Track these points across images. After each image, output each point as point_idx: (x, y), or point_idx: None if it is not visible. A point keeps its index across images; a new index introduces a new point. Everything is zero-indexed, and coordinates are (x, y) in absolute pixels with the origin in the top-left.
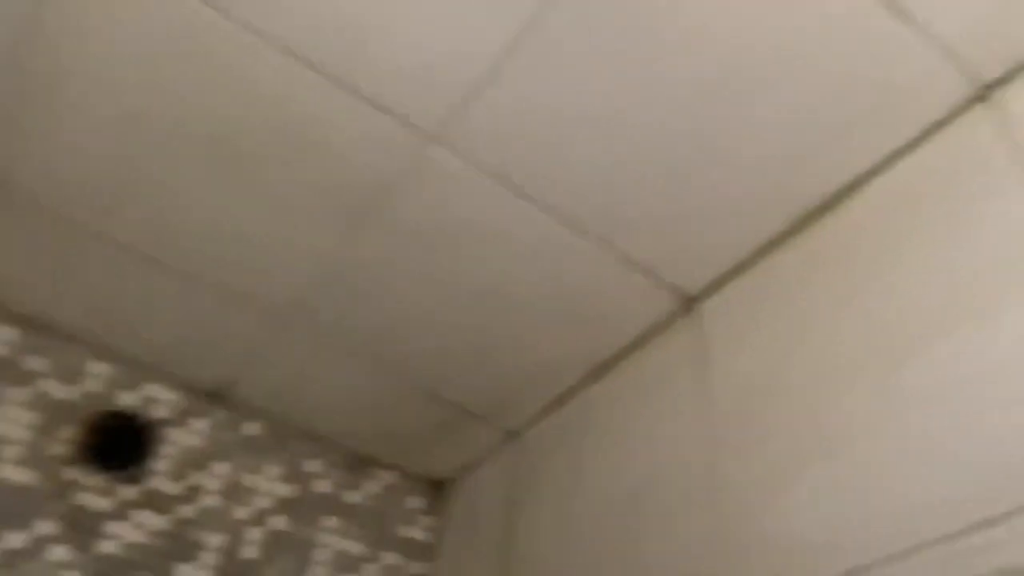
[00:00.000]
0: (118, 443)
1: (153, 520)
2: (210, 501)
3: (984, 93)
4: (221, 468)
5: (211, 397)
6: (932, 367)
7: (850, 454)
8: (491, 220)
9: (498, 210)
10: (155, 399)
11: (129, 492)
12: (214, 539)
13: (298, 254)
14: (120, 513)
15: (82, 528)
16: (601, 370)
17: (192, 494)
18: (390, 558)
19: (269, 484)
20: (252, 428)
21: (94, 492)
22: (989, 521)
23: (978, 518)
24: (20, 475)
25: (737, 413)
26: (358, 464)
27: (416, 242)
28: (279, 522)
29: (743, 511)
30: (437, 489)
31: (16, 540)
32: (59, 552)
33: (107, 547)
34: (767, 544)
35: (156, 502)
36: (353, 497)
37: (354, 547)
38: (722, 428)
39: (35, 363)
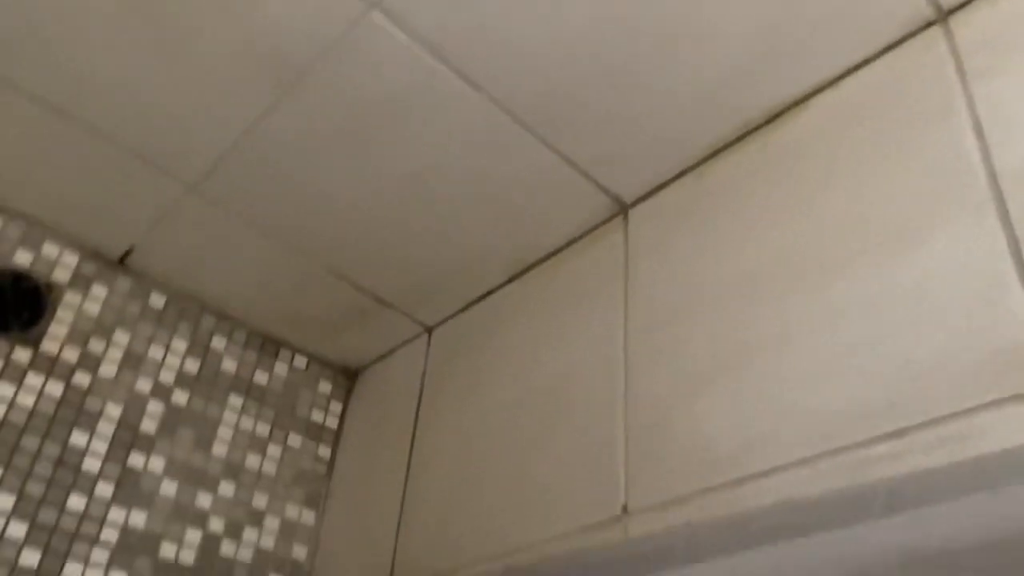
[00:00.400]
0: (12, 303)
1: (47, 385)
2: (109, 370)
3: (942, 16)
4: (121, 337)
5: (114, 264)
6: (856, 284)
7: (767, 363)
8: (427, 99)
9: (435, 89)
10: (54, 261)
11: (22, 355)
12: (112, 409)
13: (216, 121)
14: (11, 375)
15: None
16: (524, 271)
17: (90, 362)
18: (296, 441)
19: (172, 358)
20: (157, 300)
21: None
22: (898, 432)
23: (889, 428)
24: None
25: (656, 320)
26: (268, 346)
27: (344, 117)
28: (181, 397)
29: (655, 416)
30: (348, 376)
31: None
32: None
33: None
34: (678, 448)
35: (51, 367)
36: (261, 378)
37: (260, 427)
38: (639, 335)
39: None
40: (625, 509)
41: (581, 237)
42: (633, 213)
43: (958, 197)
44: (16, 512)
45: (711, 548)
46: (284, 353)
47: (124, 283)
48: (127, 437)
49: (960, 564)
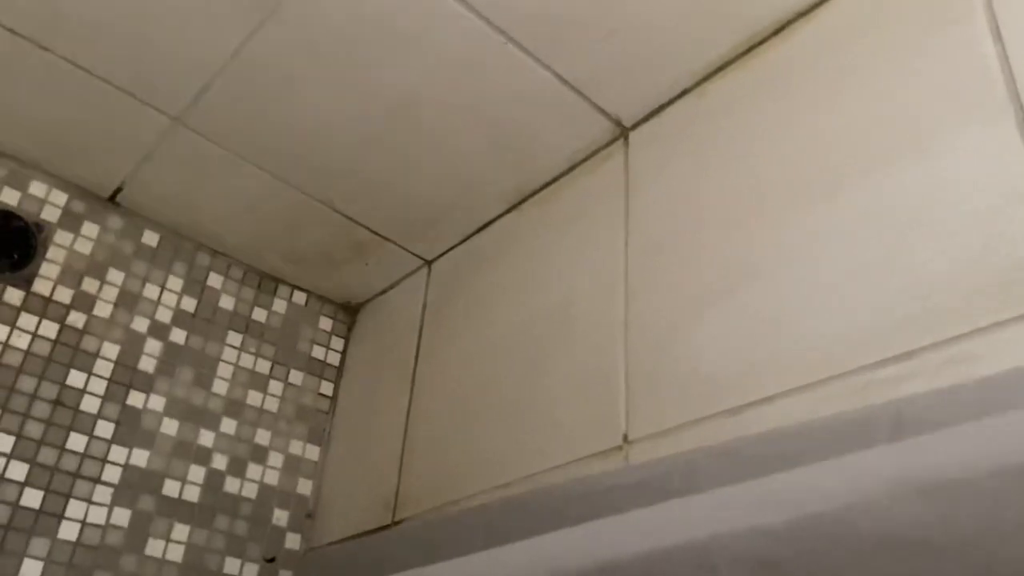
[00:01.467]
0: (1, 243)
1: (41, 326)
2: (104, 310)
3: None
4: (115, 276)
5: (105, 202)
6: (863, 199)
7: (768, 286)
8: (415, 19)
9: (423, 8)
10: (43, 200)
11: (14, 296)
12: (108, 349)
13: (197, 47)
14: (4, 317)
15: None
16: (523, 200)
17: (84, 301)
18: (297, 377)
19: (168, 296)
20: (150, 238)
21: None
22: (906, 354)
23: (896, 351)
24: None
25: (657, 246)
26: (266, 282)
27: (329, 41)
28: (179, 335)
29: (656, 343)
30: (349, 312)
31: None
32: None
33: None
34: (679, 375)
35: (44, 308)
36: (260, 315)
37: (260, 365)
38: (640, 261)
39: None
40: (626, 438)
41: (581, 163)
42: (633, 136)
43: (974, 105)
44: (15, 453)
45: (710, 477)
46: (283, 289)
47: (116, 221)
48: (125, 376)
49: (963, 493)
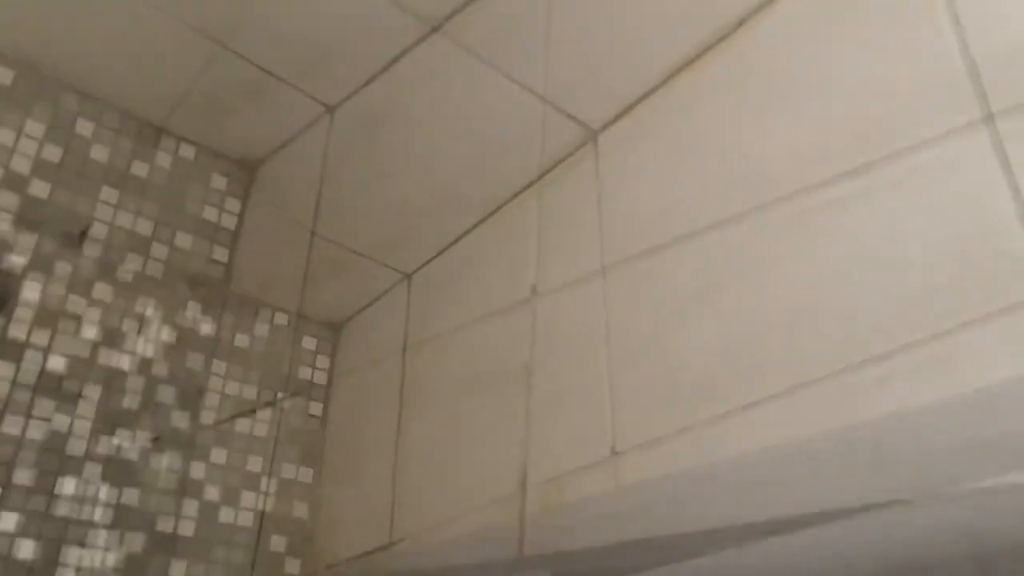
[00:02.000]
0: None
1: (20, 374)
2: (81, 349)
3: None
4: (92, 314)
5: (75, 238)
6: (833, 193)
7: (746, 287)
8: (378, 38)
9: (387, 27)
10: (10, 243)
11: None
12: (91, 389)
13: (167, 67)
14: None
15: None
16: (498, 208)
17: (61, 342)
18: (285, 400)
19: (149, 330)
20: (124, 273)
21: None
22: (884, 355)
23: (875, 352)
24: None
25: (633, 249)
26: (245, 305)
27: (298, 53)
28: (162, 368)
29: (636, 351)
30: (331, 330)
31: None
32: None
33: None
34: (660, 383)
35: (18, 352)
36: (242, 341)
37: (247, 390)
38: (617, 265)
39: None
40: (614, 450)
41: (551, 169)
42: (602, 139)
43: (939, 97)
44: (5, 504)
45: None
46: (264, 311)
47: (88, 258)
48: (110, 415)
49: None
